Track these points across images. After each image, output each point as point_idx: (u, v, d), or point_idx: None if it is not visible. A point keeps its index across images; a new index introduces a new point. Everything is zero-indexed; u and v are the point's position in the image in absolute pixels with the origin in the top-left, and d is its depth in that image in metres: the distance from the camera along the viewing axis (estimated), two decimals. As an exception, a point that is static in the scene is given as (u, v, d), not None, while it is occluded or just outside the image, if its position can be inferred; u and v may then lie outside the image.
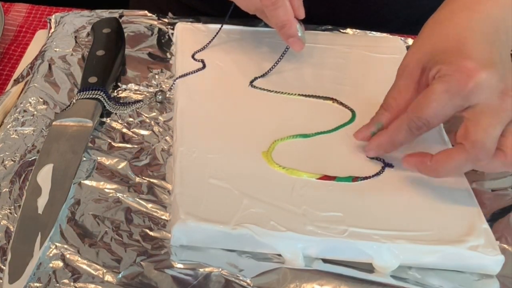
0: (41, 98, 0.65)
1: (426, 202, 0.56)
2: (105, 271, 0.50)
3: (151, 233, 0.53)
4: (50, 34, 0.75)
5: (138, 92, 0.67)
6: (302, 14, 0.68)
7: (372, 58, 0.73)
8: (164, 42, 0.74)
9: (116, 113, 0.64)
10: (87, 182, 0.57)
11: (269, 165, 0.58)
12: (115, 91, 0.67)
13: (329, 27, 0.79)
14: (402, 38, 0.77)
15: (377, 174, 0.58)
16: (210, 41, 0.72)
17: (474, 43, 0.55)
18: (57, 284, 0.49)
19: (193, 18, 0.78)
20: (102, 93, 0.64)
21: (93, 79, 0.65)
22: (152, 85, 0.68)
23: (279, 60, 0.69)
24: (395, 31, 0.79)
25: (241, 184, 0.56)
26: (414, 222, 0.54)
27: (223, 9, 0.72)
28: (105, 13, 0.78)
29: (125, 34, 0.73)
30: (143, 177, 0.58)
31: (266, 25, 0.75)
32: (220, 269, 0.51)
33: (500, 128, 0.53)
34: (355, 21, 0.79)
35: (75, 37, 0.74)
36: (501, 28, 0.56)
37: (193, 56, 0.70)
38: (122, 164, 0.59)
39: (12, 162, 0.58)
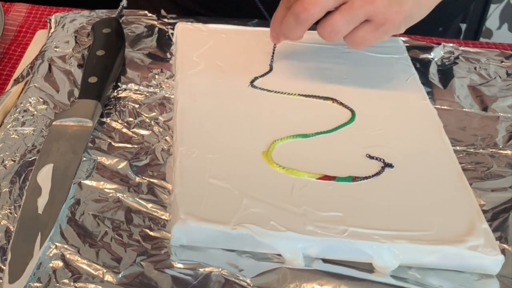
0: (41, 98, 0.65)
1: (426, 202, 0.56)
2: (105, 271, 0.50)
3: (151, 233, 0.53)
4: (50, 34, 0.75)
5: (138, 92, 0.67)
6: None
7: (372, 58, 0.73)
8: (164, 42, 0.74)
9: (116, 113, 0.64)
10: (87, 182, 0.57)
11: (269, 165, 0.58)
12: (115, 91, 0.67)
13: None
14: (402, 38, 0.78)
15: (377, 174, 0.58)
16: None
17: None
18: (57, 284, 0.49)
19: (193, 18, 0.78)
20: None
21: (93, 79, 0.65)
22: (152, 85, 0.68)
23: (272, 56, 0.70)
24: None
25: (241, 184, 0.56)
26: (414, 222, 0.54)
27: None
28: (105, 13, 0.78)
29: (125, 34, 0.73)
30: (143, 177, 0.58)
31: (266, 25, 0.75)
32: (220, 269, 0.51)
33: (332, 2, 0.60)
34: None
35: (75, 37, 0.74)
36: None
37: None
38: (122, 164, 0.59)
39: (12, 162, 0.58)
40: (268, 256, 0.53)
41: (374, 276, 0.52)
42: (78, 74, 0.69)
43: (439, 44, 0.78)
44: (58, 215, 0.53)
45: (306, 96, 0.67)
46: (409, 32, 0.81)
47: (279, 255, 0.53)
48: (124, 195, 0.56)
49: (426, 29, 0.83)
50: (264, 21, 0.77)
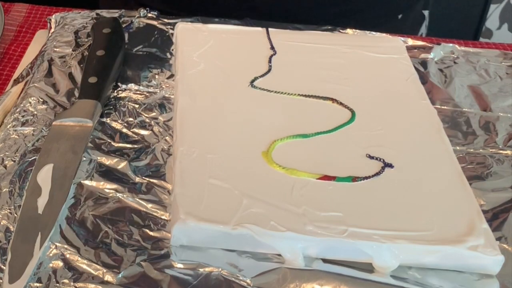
0: (41, 98, 0.65)
1: (426, 202, 0.56)
2: (105, 271, 0.50)
3: (151, 233, 0.53)
4: (50, 34, 0.75)
5: (138, 92, 0.67)
6: None
7: (372, 58, 0.73)
8: (164, 42, 0.74)
9: (116, 113, 0.64)
10: (87, 182, 0.57)
11: (269, 165, 0.58)
12: (115, 91, 0.67)
13: (329, 27, 0.79)
14: (402, 38, 0.78)
15: (377, 174, 0.58)
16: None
17: None
18: (57, 284, 0.49)
19: (193, 18, 0.78)
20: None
21: (93, 79, 0.65)
22: (152, 85, 0.68)
23: (272, 55, 0.70)
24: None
25: (241, 184, 0.56)
26: (414, 222, 0.54)
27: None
28: (105, 13, 0.78)
29: (125, 34, 0.73)
30: (143, 177, 0.58)
31: (266, 25, 0.75)
32: (220, 269, 0.51)
33: None
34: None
35: (75, 37, 0.74)
36: None
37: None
38: (122, 164, 0.59)
39: (12, 162, 0.58)
40: (268, 256, 0.53)
41: (374, 276, 0.52)
42: (78, 74, 0.69)
43: (439, 44, 0.78)
44: (58, 215, 0.53)
45: (306, 96, 0.67)
46: (363, 23, 0.79)
47: (279, 255, 0.53)
48: (124, 195, 0.56)
49: (383, 18, 0.82)
50: (264, 21, 0.77)
